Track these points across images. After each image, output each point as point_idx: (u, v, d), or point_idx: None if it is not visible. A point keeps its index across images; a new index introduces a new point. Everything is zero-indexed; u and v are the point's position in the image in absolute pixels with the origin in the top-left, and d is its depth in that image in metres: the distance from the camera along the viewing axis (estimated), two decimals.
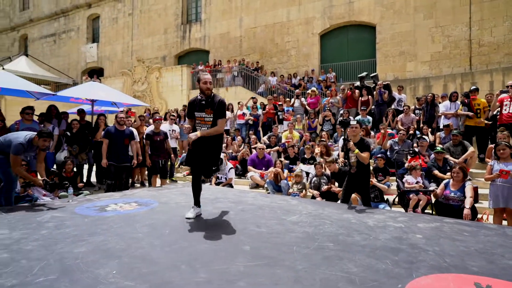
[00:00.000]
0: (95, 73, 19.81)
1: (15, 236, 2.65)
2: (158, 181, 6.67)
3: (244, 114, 9.75)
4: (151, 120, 8.85)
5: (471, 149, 5.98)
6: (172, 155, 6.32)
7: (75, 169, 5.96)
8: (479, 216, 4.48)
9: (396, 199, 5.24)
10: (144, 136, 6.24)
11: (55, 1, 23.08)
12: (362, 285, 1.88)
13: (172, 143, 7.39)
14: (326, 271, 2.08)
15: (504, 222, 4.13)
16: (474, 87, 7.42)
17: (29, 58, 20.14)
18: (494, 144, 4.99)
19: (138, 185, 7.31)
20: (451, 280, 1.96)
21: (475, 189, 4.63)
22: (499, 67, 10.81)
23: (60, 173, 5.38)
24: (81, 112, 6.66)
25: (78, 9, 22.20)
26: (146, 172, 7.58)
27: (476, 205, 4.57)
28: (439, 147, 5.99)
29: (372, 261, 2.25)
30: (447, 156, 5.82)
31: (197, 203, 3.43)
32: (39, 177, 4.01)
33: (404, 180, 5.24)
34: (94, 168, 6.95)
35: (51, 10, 23.28)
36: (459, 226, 3.21)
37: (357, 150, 4.02)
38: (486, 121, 6.74)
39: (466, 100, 7.07)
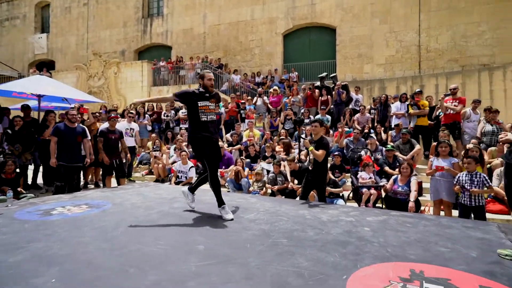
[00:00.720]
0: (45, 66, 18.34)
1: None
2: (114, 181, 6.37)
3: None
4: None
5: (417, 146, 6.46)
6: (128, 155, 6.07)
7: (17, 170, 5.47)
8: (422, 208, 4.86)
9: (351, 195, 5.50)
10: (98, 134, 5.92)
11: None
12: (311, 278, 1.95)
13: (130, 142, 7.08)
14: (278, 266, 2.12)
15: (442, 213, 4.52)
16: (418, 89, 8.05)
17: None
18: (436, 142, 5.44)
19: (92, 186, 6.92)
20: (391, 268, 2.11)
21: (419, 184, 5.03)
22: (443, 71, 11.79)
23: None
24: (25, 108, 6.12)
25: None
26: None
27: (420, 198, 4.96)
28: (390, 145, 6.40)
29: (322, 255, 2.34)
30: (397, 153, 6.24)
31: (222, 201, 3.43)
32: None
33: (358, 176, 5.52)
34: (41, 168, 6.45)
35: None
36: (403, 218, 3.45)
37: (311, 147, 4.16)
38: (429, 122, 7.35)
39: (412, 101, 7.63)
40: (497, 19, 11.40)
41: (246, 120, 9.02)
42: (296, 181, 5.87)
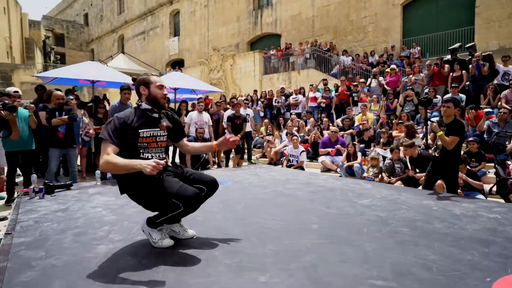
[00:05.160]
0: (177, 64, 21.68)
1: (120, 203, 3.20)
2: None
3: (315, 98, 9.54)
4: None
5: None
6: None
7: None
8: None
9: (494, 188, 4.54)
10: (226, 119, 6.88)
11: (144, 2, 25.75)
12: (440, 273, 1.73)
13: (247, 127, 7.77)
14: (398, 255, 1.97)
15: None
16: None
17: (125, 55, 23.05)
18: None
19: (215, 166, 7.90)
20: None
21: None
22: None
23: None
24: (167, 100, 7.49)
25: (161, 7, 24.37)
26: (222, 154, 8.12)
27: None
28: None
29: (454, 251, 2.04)
30: None
31: None
32: None
33: (511, 167, 4.46)
34: (177, 150, 7.76)
35: (140, 11, 26.12)
36: None
37: (441, 132, 3.60)
38: None
39: None
40: None
41: (359, 104, 8.49)
42: (417, 170, 5.21)
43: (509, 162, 4.46)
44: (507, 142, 5.48)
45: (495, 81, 7.42)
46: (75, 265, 1.81)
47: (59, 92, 4.36)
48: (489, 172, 5.12)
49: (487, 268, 1.81)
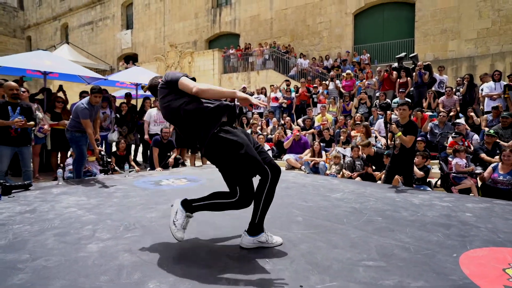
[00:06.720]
0: (130, 59, 20.54)
1: (93, 202, 3.02)
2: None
3: (277, 98, 9.83)
4: None
5: None
6: None
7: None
8: None
9: (439, 182, 5.18)
10: None
11: None
12: (417, 253, 1.99)
13: None
14: (379, 239, 2.21)
15: None
16: None
17: (70, 45, 21.18)
18: None
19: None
20: (508, 253, 2.02)
21: None
22: None
23: (115, 152, 5.87)
24: (128, 96, 7.08)
25: None
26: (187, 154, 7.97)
27: None
28: (491, 130, 5.74)
29: (423, 234, 2.34)
30: (497, 139, 5.59)
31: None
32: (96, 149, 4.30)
33: (453, 163, 5.11)
34: (141, 148, 7.41)
35: None
36: (511, 207, 3.18)
37: (399, 133, 4.03)
38: None
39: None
40: None
41: (318, 105, 8.96)
42: (373, 167, 5.72)
43: (450, 159, 5.12)
44: (445, 143, 6.28)
45: (433, 88, 8.41)
46: (70, 264, 1.72)
47: (12, 83, 3.89)
48: (433, 167, 5.80)
49: (452, 246, 2.12)
